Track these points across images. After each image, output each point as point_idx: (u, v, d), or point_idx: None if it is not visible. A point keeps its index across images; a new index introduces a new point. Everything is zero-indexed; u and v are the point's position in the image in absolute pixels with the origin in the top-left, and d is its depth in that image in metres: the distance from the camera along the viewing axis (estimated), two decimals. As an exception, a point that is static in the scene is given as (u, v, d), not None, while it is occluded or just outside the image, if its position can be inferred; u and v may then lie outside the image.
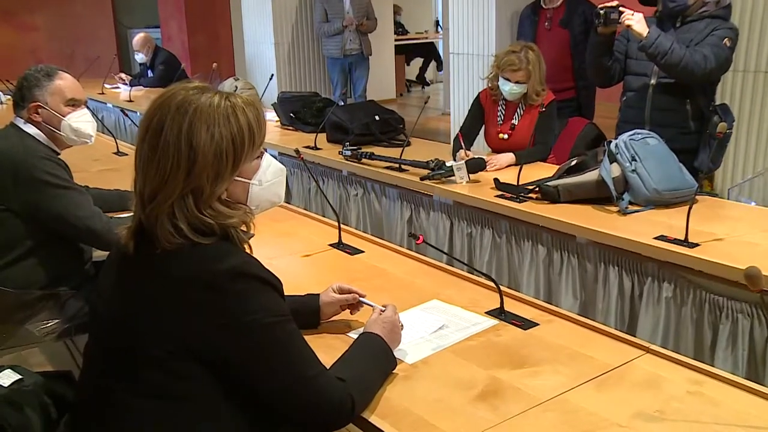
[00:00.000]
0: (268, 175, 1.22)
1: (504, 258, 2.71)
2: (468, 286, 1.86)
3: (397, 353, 1.44)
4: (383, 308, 1.48)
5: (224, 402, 1.10)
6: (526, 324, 1.60)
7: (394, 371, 1.39)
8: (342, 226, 2.22)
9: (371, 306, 1.53)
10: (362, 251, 2.12)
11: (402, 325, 1.49)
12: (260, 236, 2.03)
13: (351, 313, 1.61)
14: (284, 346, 1.11)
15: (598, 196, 2.43)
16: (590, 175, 2.45)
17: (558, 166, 2.74)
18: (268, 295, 1.13)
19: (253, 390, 1.11)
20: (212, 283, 1.07)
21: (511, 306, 1.69)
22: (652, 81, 2.72)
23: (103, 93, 5.61)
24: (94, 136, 2.00)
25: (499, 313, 1.64)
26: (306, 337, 1.21)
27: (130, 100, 5.16)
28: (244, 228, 1.19)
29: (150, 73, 5.81)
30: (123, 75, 6.04)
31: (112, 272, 1.19)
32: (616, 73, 2.82)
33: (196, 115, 1.09)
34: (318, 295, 1.57)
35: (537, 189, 2.56)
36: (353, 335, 1.55)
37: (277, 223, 2.31)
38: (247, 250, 1.19)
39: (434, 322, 1.61)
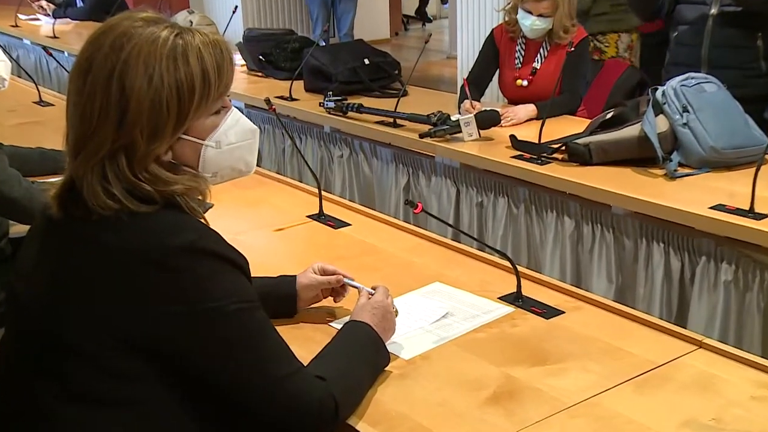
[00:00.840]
0: (231, 136, 1.18)
1: (522, 232, 2.68)
2: (478, 266, 1.85)
3: (390, 346, 1.44)
4: (372, 291, 1.48)
5: (177, 409, 1.09)
6: (548, 312, 1.60)
7: (386, 368, 1.38)
8: (323, 193, 2.20)
9: (358, 288, 1.53)
10: (348, 224, 2.10)
11: (396, 312, 1.49)
12: (221, 206, 2.05)
13: (335, 300, 1.61)
14: (252, 339, 1.10)
15: (640, 156, 2.39)
16: (630, 131, 2.40)
17: (590, 120, 2.70)
18: (232, 277, 1.12)
19: (215, 394, 1.10)
20: (162, 261, 1.05)
21: (530, 290, 1.68)
22: (713, 10, 2.59)
23: (17, 26, 5.33)
24: (7, 80, 1.93)
25: (516, 299, 1.63)
26: (279, 329, 1.20)
27: (54, 36, 4.88)
28: (199, 197, 1.17)
29: (79, 3, 5.55)
30: (44, 3, 5.76)
31: (34, 244, 1.16)
32: (664, 1, 2.69)
33: (133, 52, 1.06)
34: (294, 277, 1.57)
35: (563, 148, 2.53)
36: (337, 325, 1.55)
37: (243, 190, 2.29)
38: (206, 221, 1.17)
39: (436, 309, 1.61)
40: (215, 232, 1.15)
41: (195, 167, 1.17)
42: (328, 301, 1.63)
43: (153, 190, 1.10)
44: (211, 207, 1.11)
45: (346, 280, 1.58)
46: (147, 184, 1.10)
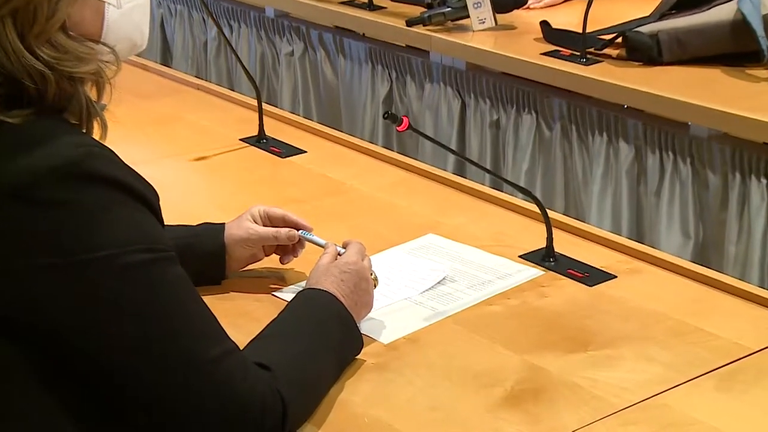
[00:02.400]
0: None
1: (557, 165, 2.72)
2: (491, 212, 1.89)
3: (364, 326, 1.48)
4: (342, 249, 1.54)
5: (53, 410, 1.10)
6: (593, 276, 1.63)
7: (358, 356, 1.42)
8: (266, 107, 2.23)
9: (319, 245, 1.58)
10: (302, 151, 2.14)
11: (376, 279, 1.53)
12: (115, 126, 2.02)
13: (283, 260, 1.66)
14: (161, 304, 1.13)
15: (734, 50, 2.43)
16: (718, 14, 2.44)
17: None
18: (133, 215, 1.14)
19: (108, 386, 1.13)
20: (28, 191, 1.08)
21: (567, 246, 1.72)
22: None
23: None
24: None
25: (546, 258, 1.67)
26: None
27: None
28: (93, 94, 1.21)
29: None
30: None
31: None
32: None
33: None
34: (222, 226, 1.62)
35: (620, 40, 2.55)
36: (287, 297, 1.58)
37: (146, 101, 2.31)
38: (97, 135, 1.21)
39: (430, 272, 1.65)
40: (110, 150, 1.16)
41: (97, 37, 1.22)
42: (272, 262, 1.66)
43: (51, 75, 1.12)
44: (104, 108, 1.12)
45: (302, 233, 1.63)
46: (51, 61, 1.12)
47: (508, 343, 1.47)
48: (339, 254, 1.53)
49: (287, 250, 1.65)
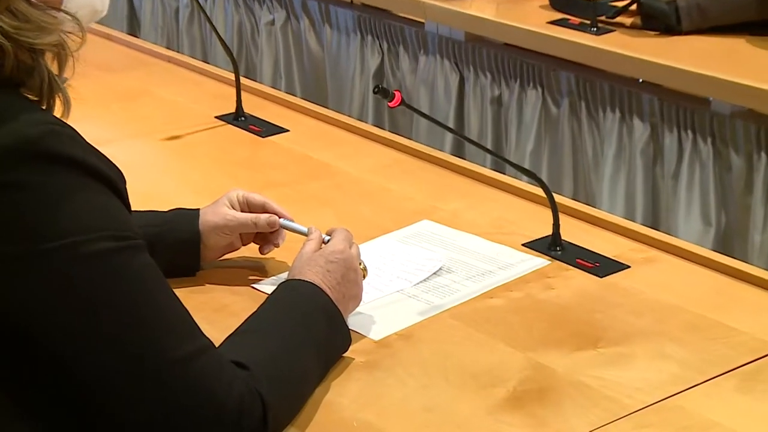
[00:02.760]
0: None
1: (564, 145, 2.73)
2: (492, 196, 1.90)
3: (352, 321, 1.49)
4: (327, 237, 1.56)
5: (8, 408, 1.10)
6: (604, 266, 1.64)
7: (346, 354, 1.43)
8: (244, 81, 2.24)
9: (302, 233, 1.60)
10: (284, 130, 2.16)
11: (364, 268, 1.55)
12: (79, 102, 1.98)
13: (262, 250, 1.67)
14: (130, 297, 1.14)
15: (759, 18, 2.44)
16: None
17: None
18: (99, 200, 1.15)
19: (71, 385, 1.12)
20: None
21: (575, 233, 1.73)
22: None
23: None
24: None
25: (553, 246, 1.69)
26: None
27: None
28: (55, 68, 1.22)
29: None
30: None
31: None
32: None
33: None
34: (196, 212, 1.64)
35: (634, 6, 2.56)
36: (267, 289, 1.60)
37: (112, 74, 2.33)
38: (59, 112, 1.21)
39: (425, 262, 1.67)
40: (72, 128, 1.17)
41: (57, 4, 1.21)
42: (251, 251, 1.67)
43: (10, 47, 1.12)
44: (66, 82, 1.12)
45: (283, 220, 1.64)
46: (10, 31, 1.12)
47: (511, 340, 1.47)
48: (324, 242, 1.54)
49: (267, 238, 1.67)
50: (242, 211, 1.64)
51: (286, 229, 1.65)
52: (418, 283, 1.62)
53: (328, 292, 1.44)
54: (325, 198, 1.91)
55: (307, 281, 1.45)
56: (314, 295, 1.43)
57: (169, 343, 1.15)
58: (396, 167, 2.03)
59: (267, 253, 1.67)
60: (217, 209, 1.63)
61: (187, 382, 1.16)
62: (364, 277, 1.54)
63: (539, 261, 1.67)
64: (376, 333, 1.50)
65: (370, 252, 1.67)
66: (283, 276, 1.56)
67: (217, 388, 1.18)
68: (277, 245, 1.67)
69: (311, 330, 1.39)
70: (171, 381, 1.15)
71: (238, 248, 1.67)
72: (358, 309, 1.52)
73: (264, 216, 1.63)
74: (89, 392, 1.13)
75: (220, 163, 2.07)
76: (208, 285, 1.61)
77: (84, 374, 1.12)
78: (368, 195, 1.93)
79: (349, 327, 1.46)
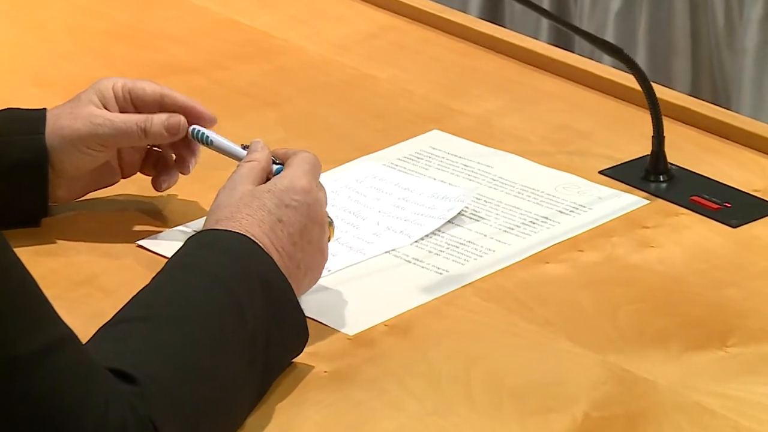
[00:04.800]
0: None
1: (675, 4, 2.91)
2: (550, 89, 1.92)
3: (311, 302, 1.45)
4: (278, 163, 1.52)
5: None
6: (738, 208, 1.64)
7: (299, 357, 1.40)
8: None
9: (233, 154, 1.56)
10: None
11: (330, 222, 1.50)
12: None
13: (158, 185, 1.64)
14: None
15: None
16: None
17: None
18: None
19: None
20: None
21: (690, 152, 1.74)
22: None
23: None
24: None
25: (651, 175, 1.69)
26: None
27: None
28: None
29: None
30: None
31: None
32: None
33: None
34: (42, 113, 1.63)
35: None
36: (164, 247, 1.58)
37: None
38: None
39: (435, 202, 1.66)
40: None
41: None
42: (137, 185, 1.64)
43: None
44: None
45: (195, 127, 1.59)
46: None
47: (580, 333, 1.40)
48: (273, 172, 1.48)
49: (166, 160, 1.62)
50: (123, 112, 1.60)
51: (203, 143, 1.58)
52: (421, 239, 1.58)
53: (276, 255, 1.38)
54: (264, 93, 1.85)
55: (239, 233, 1.38)
56: (250, 257, 1.37)
57: (6, 334, 1.14)
58: (386, 40, 1.99)
59: (166, 187, 1.62)
60: (77, 110, 1.59)
61: (32, 392, 1.14)
62: (329, 237, 1.49)
63: (628, 199, 1.63)
64: (351, 324, 1.43)
65: (340, 186, 1.61)
66: (196, 225, 1.52)
67: (80, 406, 1.15)
68: (184, 171, 1.62)
69: (241, 316, 1.32)
70: (10, 389, 1.14)
71: (116, 181, 1.62)
72: (320, 283, 1.47)
73: (160, 117, 1.59)
74: None
75: (81, 32, 2.05)
76: (61, 242, 1.57)
77: None
78: (339, 87, 1.88)
79: (306, 314, 1.38)
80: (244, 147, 1.54)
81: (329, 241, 1.49)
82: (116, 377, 1.19)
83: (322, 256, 1.48)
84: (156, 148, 1.62)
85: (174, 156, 1.63)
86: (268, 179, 1.48)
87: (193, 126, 1.57)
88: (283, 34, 2.01)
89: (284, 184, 1.46)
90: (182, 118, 1.58)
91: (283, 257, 1.41)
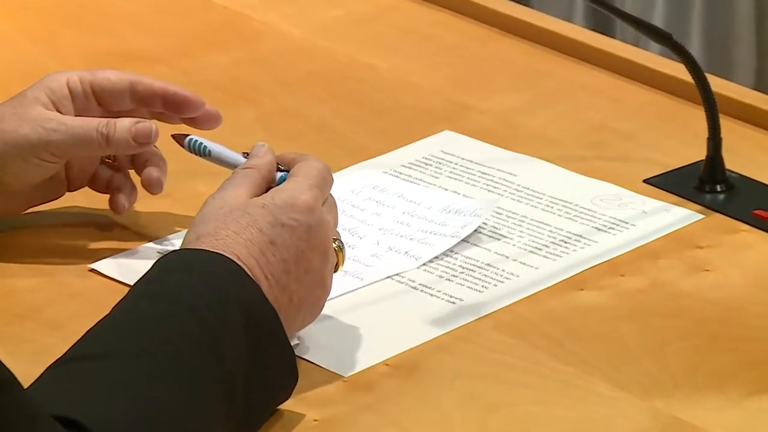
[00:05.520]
0: None
1: None
2: (584, 81, 1.95)
3: (302, 338, 1.46)
4: (283, 170, 1.51)
5: None
6: None
7: (286, 402, 1.39)
8: None
9: (228, 163, 1.55)
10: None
11: (339, 248, 1.50)
12: None
13: (116, 205, 1.64)
14: None
15: None
16: None
17: None
18: None
19: None
20: None
21: (753, 156, 1.77)
22: None
23: None
24: None
25: (706, 184, 1.71)
26: None
27: None
28: None
29: None
30: None
31: None
32: None
33: None
34: None
35: None
36: (122, 269, 1.58)
37: None
38: None
39: (448, 217, 1.69)
40: None
41: None
42: (89, 194, 1.64)
43: None
44: None
45: (197, 140, 1.57)
46: None
47: (621, 375, 1.38)
48: (276, 182, 1.46)
49: (124, 176, 1.63)
50: (83, 112, 1.59)
51: (201, 154, 1.57)
52: (430, 261, 1.58)
53: (264, 283, 1.36)
54: (239, 86, 1.86)
55: (221, 254, 1.36)
56: (232, 283, 1.34)
57: None
58: (387, 23, 2.01)
59: (124, 209, 1.62)
60: (23, 110, 1.58)
61: None
62: (337, 267, 1.48)
63: (679, 214, 1.64)
64: (346, 363, 1.41)
65: (335, 196, 1.53)
66: (166, 243, 1.53)
67: None
68: (153, 190, 1.61)
69: (218, 355, 1.30)
70: None
71: (61, 194, 1.62)
72: (329, 310, 1.47)
73: (125, 122, 1.57)
74: None
75: (17, 15, 2.08)
76: (1, 264, 1.56)
77: None
78: (330, 79, 1.90)
79: (297, 353, 1.36)
80: (246, 155, 1.52)
81: (336, 271, 1.46)
82: (64, 427, 1.16)
83: (322, 290, 1.46)
84: (116, 160, 1.59)
85: (140, 167, 1.62)
86: (270, 189, 1.42)
87: (190, 136, 1.55)
88: (262, 16, 1.99)
89: (282, 198, 1.43)
90: (153, 125, 1.55)
91: (272, 287, 1.38)
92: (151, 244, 1.58)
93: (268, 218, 1.42)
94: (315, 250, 1.43)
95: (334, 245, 1.45)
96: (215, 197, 1.42)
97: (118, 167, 1.60)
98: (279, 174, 1.44)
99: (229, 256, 1.36)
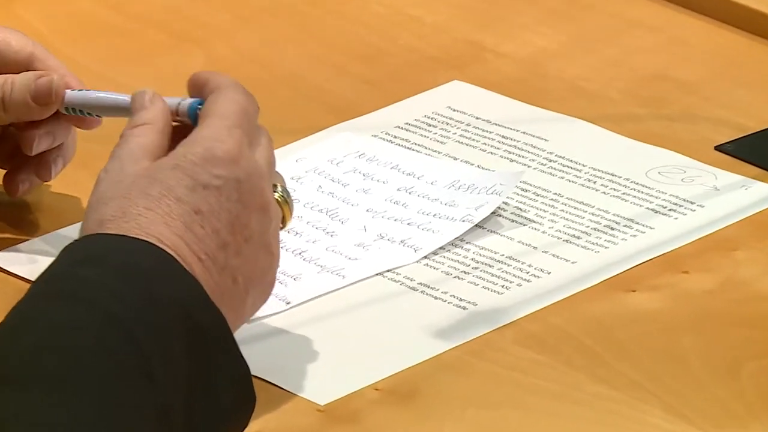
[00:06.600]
0: None
1: None
2: (630, 15, 2.01)
3: (263, 351, 1.46)
4: (186, 100, 1.52)
5: None
6: None
7: None
8: None
9: (118, 107, 1.55)
10: None
11: (283, 200, 1.47)
12: None
13: (14, 188, 1.72)
14: None
15: None
16: None
17: None
18: None
19: None
20: None
21: None
22: None
23: None
24: None
25: None
26: None
27: None
28: None
29: None
30: None
31: None
32: None
33: None
34: None
35: None
36: (22, 264, 1.64)
37: None
38: None
39: (457, 196, 1.70)
40: None
41: None
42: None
43: None
44: None
45: (82, 93, 1.59)
46: None
47: (682, 401, 1.38)
48: (173, 109, 1.45)
49: (23, 152, 1.65)
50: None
51: (84, 107, 1.59)
52: (434, 254, 1.57)
53: (198, 267, 1.33)
54: (185, 24, 1.87)
55: (137, 238, 1.33)
56: (158, 276, 1.31)
57: None
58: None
59: (25, 190, 1.68)
60: None
61: None
62: (284, 222, 1.44)
63: (761, 191, 1.63)
64: (322, 388, 1.36)
65: (305, 171, 1.61)
66: (73, 231, 1.46)
67: None
68: (43, 176, 1.69)
69: (149, 377, 1.25)
70: None
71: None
72: (274, 326, 1.47)
73: (25, 77, 1.64)
74: None
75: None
76: None
77: None
78: (302, 13, 1.91)
79: (254, 373, 1.31)
80: None
81: (283, 228, 1.41)
82: None
83: (269, 257, 1.43)
84: (13, 128, 1.59)
85: (34, 140, 1.62)
86: (184, 137, 1.39)
87: (66, 90, 1.53)
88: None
89: (197, 152, 1.39)
90: (57, 80, 1.57)
91: (209, 269, 1.36)
92: (52, 234, 1.60)
93: (184, 181, 1.41)
94: (251, 208, 1.44)
95: (276, 195, 1.42)
96: (108, 170, 1.40)
97: (27, 133, 1.60)
98: (190, 101, 1.42)
99: (148, 239, 1.34)
